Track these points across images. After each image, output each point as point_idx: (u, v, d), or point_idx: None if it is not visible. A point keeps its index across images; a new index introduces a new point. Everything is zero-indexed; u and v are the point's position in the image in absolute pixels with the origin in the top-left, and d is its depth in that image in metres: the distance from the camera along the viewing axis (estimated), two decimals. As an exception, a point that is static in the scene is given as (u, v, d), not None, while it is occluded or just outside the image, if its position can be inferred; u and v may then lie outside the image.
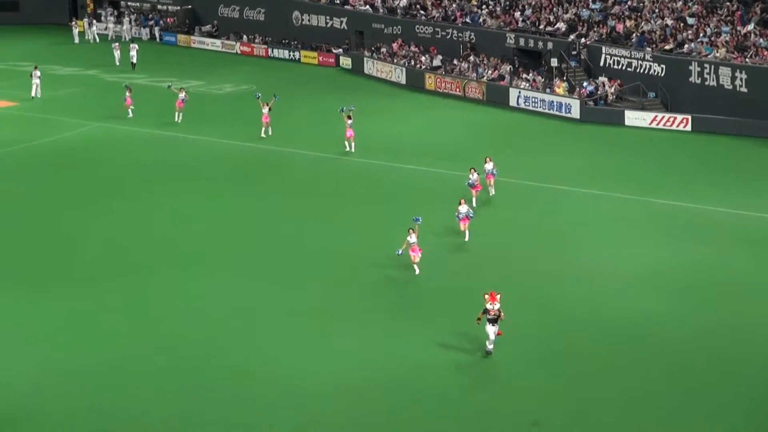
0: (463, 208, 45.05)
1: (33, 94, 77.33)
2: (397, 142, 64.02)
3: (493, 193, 51.44)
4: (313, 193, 53.82)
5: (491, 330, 34.21)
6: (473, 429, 30.42)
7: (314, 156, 60.83)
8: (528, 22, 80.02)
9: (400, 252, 41.38)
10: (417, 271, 41.37)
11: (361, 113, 65.56)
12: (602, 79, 72.05)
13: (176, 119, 68.14)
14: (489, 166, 51.33)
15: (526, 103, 72.54)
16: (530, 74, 74.60)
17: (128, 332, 37.35)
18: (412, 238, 41.39)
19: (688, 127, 66.01)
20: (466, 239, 44.92)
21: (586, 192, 53.24)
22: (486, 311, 34.25)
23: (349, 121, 60.52)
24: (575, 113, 69.80)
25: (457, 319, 37.67)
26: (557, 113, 70.58)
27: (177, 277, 42.42)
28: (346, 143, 60.85)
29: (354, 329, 37.29)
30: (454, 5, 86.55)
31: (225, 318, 38.38)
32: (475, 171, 49.59)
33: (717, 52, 67.89)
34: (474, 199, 49.30)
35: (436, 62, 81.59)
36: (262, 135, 64.22)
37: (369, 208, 50.93)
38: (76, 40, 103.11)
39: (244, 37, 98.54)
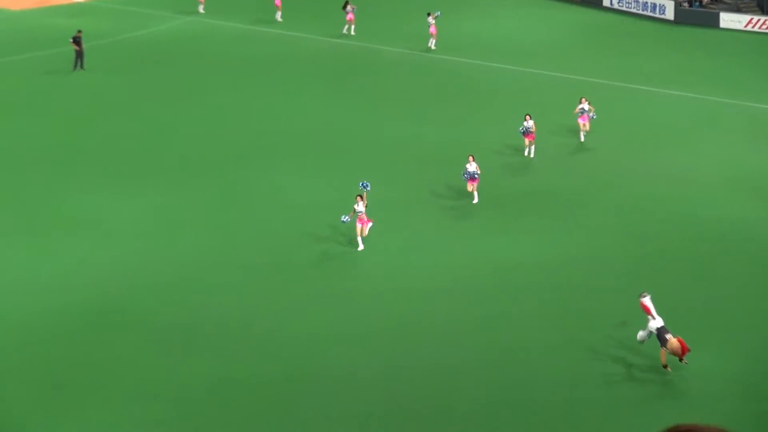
0: (471, 167, 38.94)
1: None
2: (487, 40, 63.44)
3: (584, 139, 45.00)
4: (402, 91, 53.73)
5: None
6: (563, 330, 30.57)
7: (400, 53, 60.60)
8: None
9: (346, 219, 35.64)
10: (360, 247, 35.51)
11: (452, 10, 65.05)
12: (698, -21, 70.61)
13: (277, 18, 67.89)
14: (585, 106, 44.77)
15: (620, 4, 71.36)
16: (624, -26, 73.28)
17: (218, 227, 37.88)
18: (360, 207, 35.55)
19: (786, 31, 64.65)
20: (475, 201, 39.05)
21: (679, 94, 52.53)
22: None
23: (431, 19, 60.23)
24: (669, 15, 68.59)
25: (547, 220, 37.74)
26: (651, 14, 69.41)
27: (267, 172, 42.74)
28: (430, 41, 60.65)
29: (446, 227, 37.45)
30: None
31: (317, 212, 38.60)
32: (531, 117, 43.33)
33: (819, -47, 66.19)
34: (527, 150, 43.54)
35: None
36: (344, 32, 64.09)
37: (455, 106, 50.76)
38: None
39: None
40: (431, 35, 60.59)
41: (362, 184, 36.19)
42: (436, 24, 60.29)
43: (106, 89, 54.58)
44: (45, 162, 44.27)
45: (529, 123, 43.25)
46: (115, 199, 40.19)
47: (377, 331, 30.73)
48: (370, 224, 35.79)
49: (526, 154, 43.67)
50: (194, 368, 28.96)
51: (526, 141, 43.61)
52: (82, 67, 57.15)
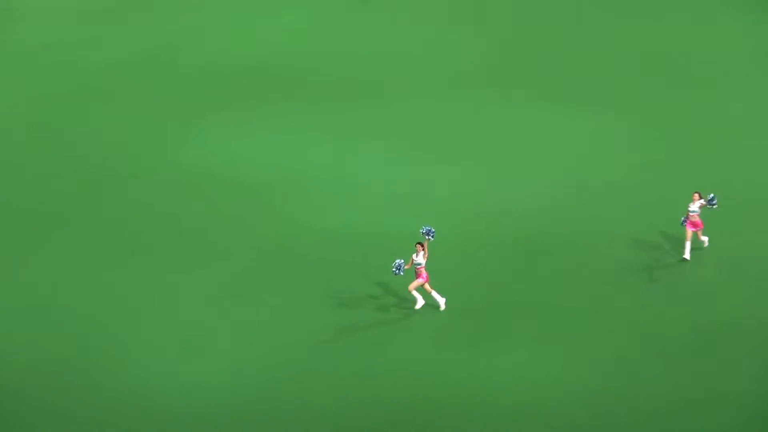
0: (694, 205, 32.33)
1: None
2: None
3: None
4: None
5: None
6: None
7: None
8: None
9: (398, 270, 29.82)
10: (418, 305, 29.98)
11: None
12: None
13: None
14: None
15: None
16: None
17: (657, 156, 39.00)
18: (419, 258, 29.55)
19: None
20: (686, 257, 33.00)
21: None
22: None
23: None
24: None
25: None
26: None
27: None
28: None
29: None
30: None
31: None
32: None
33: None
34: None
35: None
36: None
37: None
38: None
39: None
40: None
41: (425, 230, 29.80)
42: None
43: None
44: (479, 77, 45.46)
45: None
46: (543, 119, 41.54)
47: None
48: (425, 280, 29.80)
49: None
50: (623, 302, 30.96)
51: None
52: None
